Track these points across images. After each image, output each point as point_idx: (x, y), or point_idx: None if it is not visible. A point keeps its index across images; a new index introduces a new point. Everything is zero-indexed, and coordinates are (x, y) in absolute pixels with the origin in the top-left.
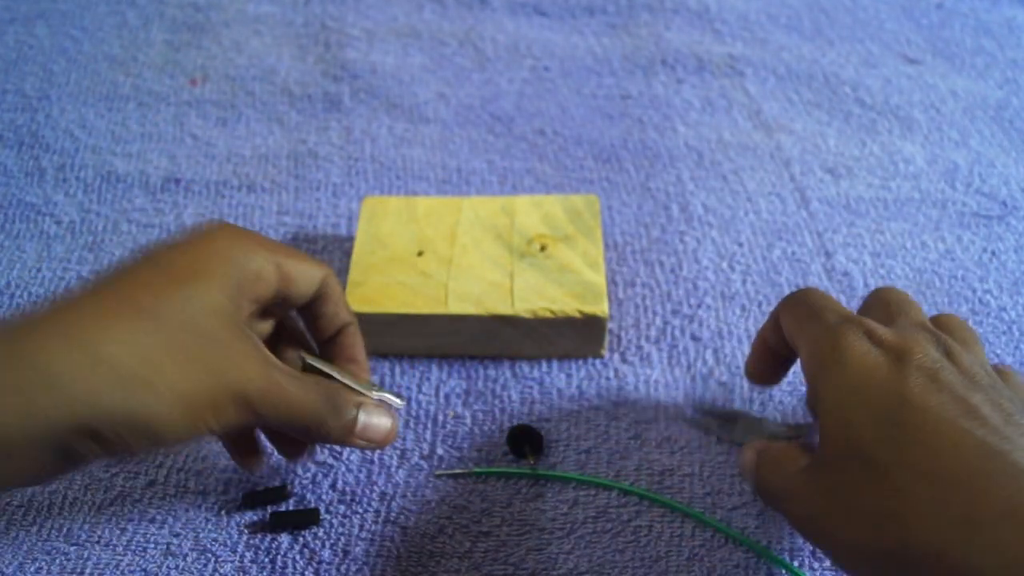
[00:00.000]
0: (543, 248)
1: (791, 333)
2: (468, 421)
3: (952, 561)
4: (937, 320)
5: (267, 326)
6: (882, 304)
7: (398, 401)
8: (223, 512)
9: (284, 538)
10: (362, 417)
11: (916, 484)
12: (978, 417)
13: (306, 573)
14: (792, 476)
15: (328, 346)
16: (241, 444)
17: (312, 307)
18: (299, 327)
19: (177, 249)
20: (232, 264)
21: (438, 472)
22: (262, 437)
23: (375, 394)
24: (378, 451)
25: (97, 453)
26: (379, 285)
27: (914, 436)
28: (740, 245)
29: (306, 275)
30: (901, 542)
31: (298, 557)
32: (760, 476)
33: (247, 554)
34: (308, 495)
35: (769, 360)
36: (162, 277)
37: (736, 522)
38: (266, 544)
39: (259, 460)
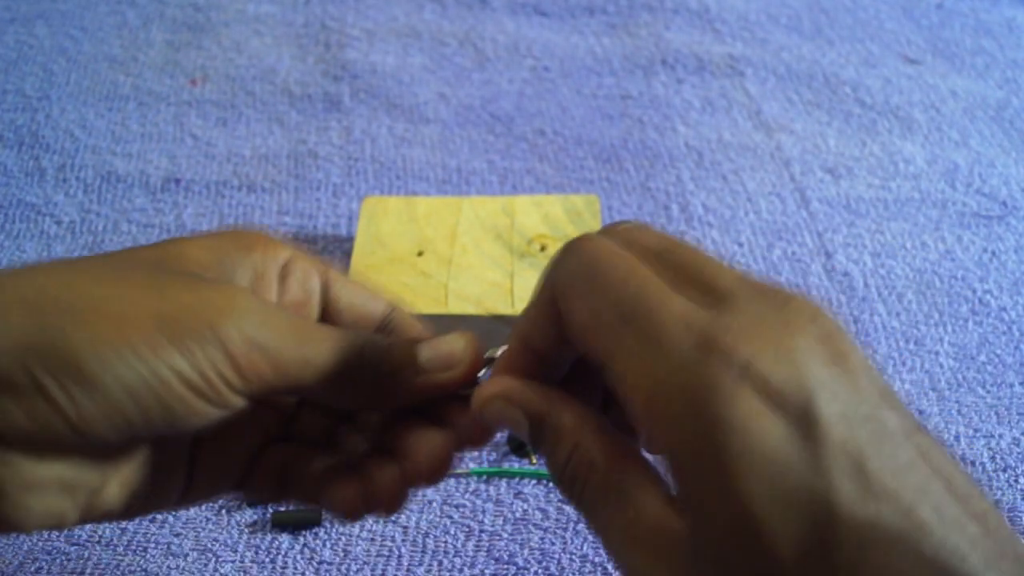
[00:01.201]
0: (543, 248)
1: (597, 343)
2: None
3: None
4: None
5: None
6: (675, 266)
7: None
8: (224, 511)
9: (285, 537)
10: (425, 347)
11: None
12: (922, 525)
13: (307, 573)
14: (661, 551)
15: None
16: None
17: None
18: None
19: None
20: (233, 239)
21: None
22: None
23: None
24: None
25: (16, 417)
26: (379, 285)
27: (851, 570)
28: (740, 245)
29: (364, 294)
30: None
31: (299, 557)
32: (582, 490)
33: (248, 553)
34: None
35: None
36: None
37: None
38: (267, 543)
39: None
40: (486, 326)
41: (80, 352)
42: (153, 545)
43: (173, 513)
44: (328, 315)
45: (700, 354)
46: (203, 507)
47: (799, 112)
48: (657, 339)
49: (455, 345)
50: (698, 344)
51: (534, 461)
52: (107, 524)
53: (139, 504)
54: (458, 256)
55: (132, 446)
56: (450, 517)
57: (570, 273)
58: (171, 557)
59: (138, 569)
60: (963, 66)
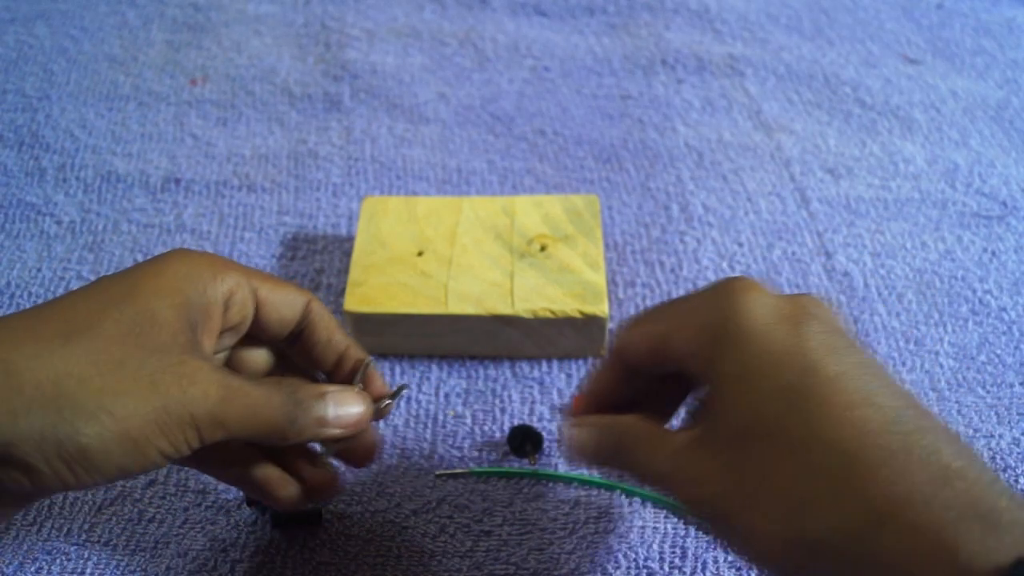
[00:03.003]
0: (543, 248)
1: (659, 337)
2: (468, 421)
3: (863, 549)
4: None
5: (261, 357)
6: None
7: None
8: (223, 511)
9: (285, 538)
10: (331, 405)
11: (831, 463)
12: (882, 382)
13: (307, 573)
14: (678, 454)
15: (334, 377)
16: (248, 477)
17: (303, 338)
18: (300, 364)
19: (125, 272)
20: (189, 283)
21: (439, 472)
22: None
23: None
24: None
25: (26, 486)
26: (379, 285)
27: (823, 410)
28: (740, 245)
29: (286, 300)
30: (820, 528)
31: (299, 557)
32: (631, 454)
33: (248, 554)
34: None
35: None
36: (102, 296)
37: None
38: (267, 543)
39: (287, 489)
40: (486, 326)
41: (90, 446)
42: (153, 545)
43: (172, 513)
44: (258, 323)
45: (736, 288)
46: (203, 506)
47: (799, 112)
48: (701, 298)
49: (355, 412)
50: (733, 288)
51: (534, 461)
52: (107, 524)
53: None
54: (458, 256)
55: None
56: (450, 517)
57: (639, 322)
58: (171, 557)
59: (138, 569)
60: (963, 66)
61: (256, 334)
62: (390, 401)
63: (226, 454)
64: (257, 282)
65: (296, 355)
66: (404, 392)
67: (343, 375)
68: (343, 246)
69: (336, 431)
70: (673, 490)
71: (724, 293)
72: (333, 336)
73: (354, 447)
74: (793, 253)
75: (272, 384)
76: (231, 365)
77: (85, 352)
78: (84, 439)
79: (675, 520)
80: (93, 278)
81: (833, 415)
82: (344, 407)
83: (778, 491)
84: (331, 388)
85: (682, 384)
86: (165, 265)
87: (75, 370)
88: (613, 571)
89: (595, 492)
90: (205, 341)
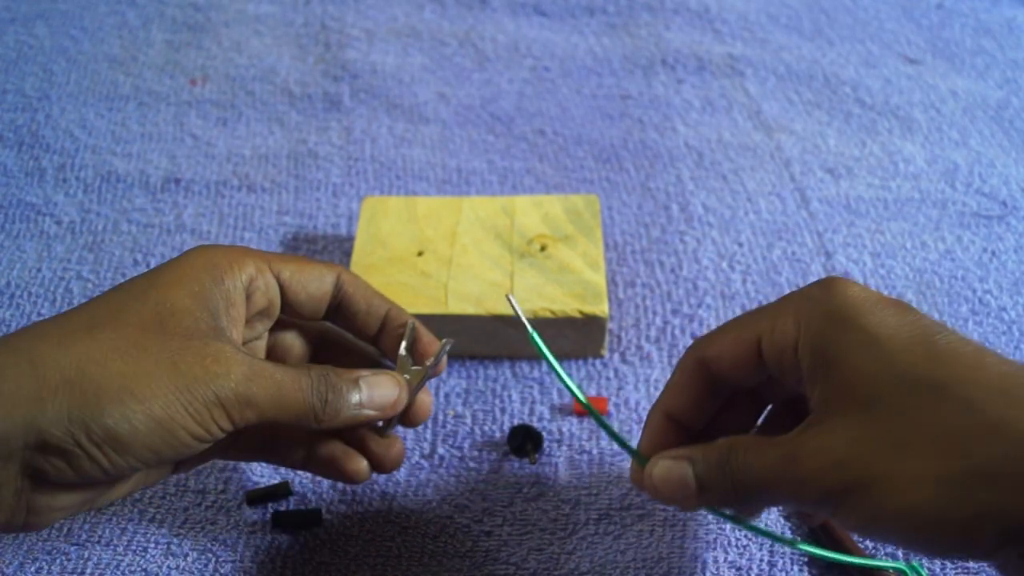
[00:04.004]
0: (543, 248)
1: (751, 341)
2: (468, 421)
3: None
4: None
5: (300, 343)
6: None
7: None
8: (224, 511)
9: (285, 538)
10: (365, 389)
11: (985, 396)
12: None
13: (307, 573)
14: (794, 440)
15: (381, 341)
16: (315, 457)
17: (341, 311)
18: (346, 337)
19: (146, 272)
20: (205, 273)
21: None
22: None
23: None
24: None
25: (68, 473)
26: (379, 285)
27: (960, 358)
28: (740, 245)
29: (313, 278)
30: (985, 454)
31: (299, 557)
32: (741, 462)
33: (248, 554)
34: (309, 494)
35: (672, 441)
36: (123, 293)
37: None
38: (267, 543)
39: (356, 463)
40: (486, 326)
41: (117, 427)
42: (153, 545)
43: (172, 513)
44: (289, 305)
45: (829, 280)
46: (203, 506)
47: (799, 112)
48: (788, 299)
49: (390, 395)
50: (826, 281)
51: (533, 461)
52: (107, 524)
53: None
54: (458, 256)
55: None
56: (450, 517)
57: (711, 338)
58: (171, 557)
59: (138, 569)
60: (963, 66)
61: (292, 316)
62: (435, 360)
63: (290, 437)
64: (280, 265)
65: (341, 328)
66: (447, 347)
67: (389, 339)
68: (343, 246)
69: (371, 413)
70: (796, 470)
71: (822, 286)
72: (372, 302)
73: (409, 411)
74: (793, 253)
75: (301, 367)
76: (272, 353)
77: (107, 340)
78: (110, 420)
79: (674, 522)
80: (93, 278)
81: (971, 361)
82: (378, 390)
83: (929, 431)
84: (364, 372)
85: (754, 404)
86: (183, 259)
87: (97, 356)
88: (612, 572)
89: (595, 493)
90: (231, 330)
